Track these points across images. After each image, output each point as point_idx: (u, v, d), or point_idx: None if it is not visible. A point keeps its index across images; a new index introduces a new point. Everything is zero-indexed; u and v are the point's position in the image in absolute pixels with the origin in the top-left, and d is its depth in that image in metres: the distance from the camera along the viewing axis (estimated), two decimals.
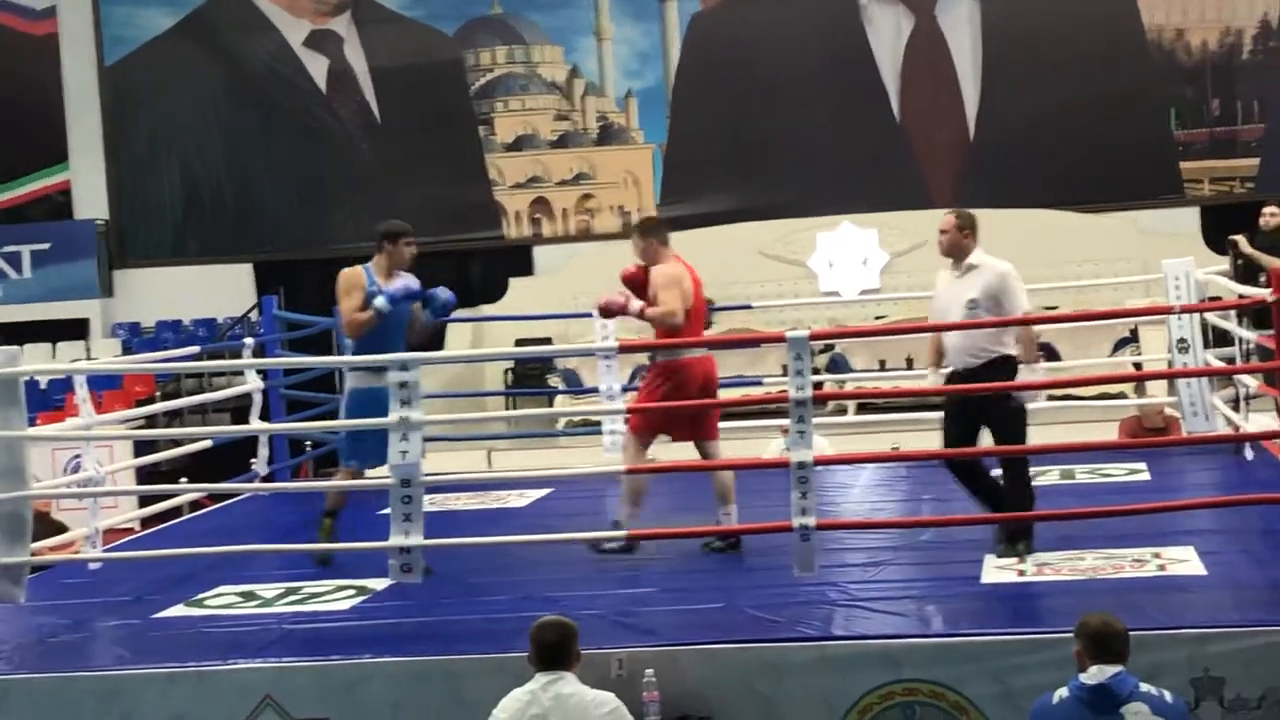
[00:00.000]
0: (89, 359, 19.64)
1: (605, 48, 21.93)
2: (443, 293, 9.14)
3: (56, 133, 22.58)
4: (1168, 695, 5.65)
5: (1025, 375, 8.23)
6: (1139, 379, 14.91)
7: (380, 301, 8.78)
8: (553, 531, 9.23)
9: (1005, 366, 8.20)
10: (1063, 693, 5.66)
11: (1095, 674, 5.62)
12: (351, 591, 8.21)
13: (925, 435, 12.77)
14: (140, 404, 17.38)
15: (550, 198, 21.89)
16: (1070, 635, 5.85)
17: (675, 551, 8.71)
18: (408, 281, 8.88)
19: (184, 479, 13.06)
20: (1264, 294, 7.62)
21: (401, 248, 9.00)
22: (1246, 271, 12.38)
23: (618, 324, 12.46)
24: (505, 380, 18.78)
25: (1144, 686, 5.63)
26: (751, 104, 21.06)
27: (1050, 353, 17.12)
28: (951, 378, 8.41)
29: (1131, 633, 5.79)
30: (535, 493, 11.07)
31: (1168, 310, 10.71)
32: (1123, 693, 5.58)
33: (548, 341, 18.41)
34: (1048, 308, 17.70)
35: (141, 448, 13.87)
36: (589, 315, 12.85)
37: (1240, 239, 12.45)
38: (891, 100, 20.96)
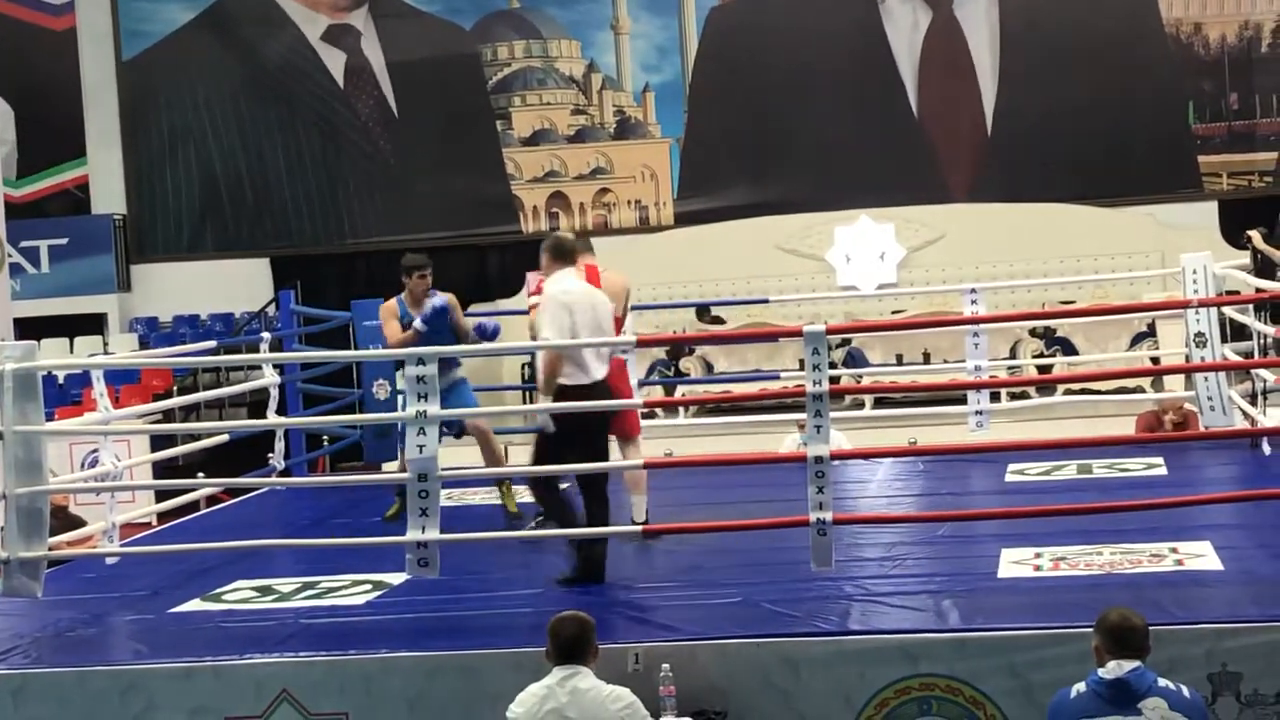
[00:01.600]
0: (106, 354, 19.68)
1: (623, 42, 21.92)
2: (490, 325, 10.21)
3: (74, 127, 22.63)
4: (1185, 690, 5.64)
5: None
6: (1156, 373, 14.89)
7: (418, 323, 10.02)
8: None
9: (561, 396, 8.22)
10: (1080, 687, 5.66)
11: (1113, 669, 5.61)
12: (368, 586, 8.23)
13: (942, 429, 12.80)
14: (157, 398, 17.41)
15: (568, 192, 21.89)
16: (1087, 630, 5.84)
17: (693, 546, 8.70)
18: (434, 301, 10.07)
19: (201, 474, 13.14)
20: None
21: (414, 280, 10.27)
22: (1264, 266, 12.34)
23: (634, 318, 12.48)
24: (522, 375, 18.77)
25: (1162, 681, 5.62)
26: (769, 98, 21.04)
27: (1067, 346, 17.15)
28: None
29: (1149, 628, 5.78)
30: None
31: (1185, 304, 10.67)
32: (1141, 688, 5.57)
33: None
34: (1065, 302, 17.75)
35: (158, 442, 13.87)
36: None
37: (1255, 234, 12.40)
38: (909, 94, 20.92)
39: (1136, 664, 5.62)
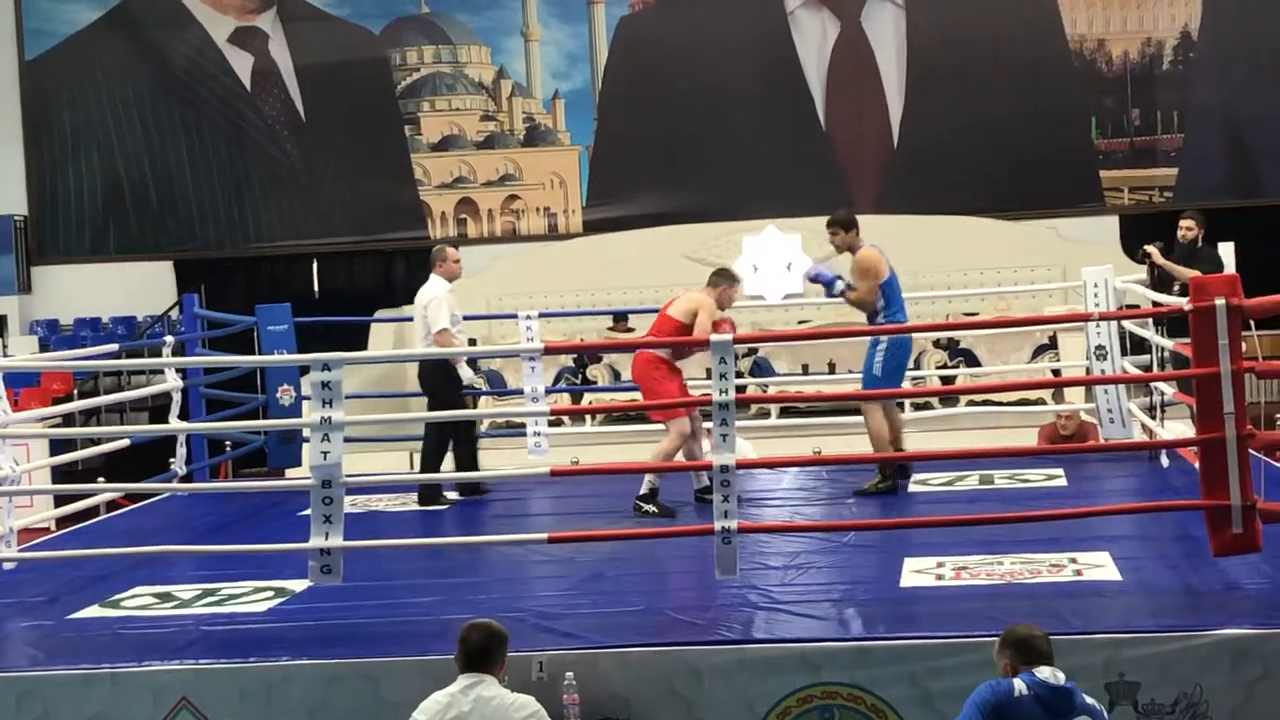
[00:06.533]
0: (5, 356, 19.41)
1: (533, 49, 21.90)
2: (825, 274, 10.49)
3: None
4: (1097, 704, 5.66)
5: None
6: (1057, 385, 15.05)
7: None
8: (475, 534, 9.21)
9: None
10: (1022, 688, 5.58)
11: (1051, 675, 5.59)
12: (270, 593, 8.16)
13: (847, 439, 12.86)
14: (57, 402, 17.21)
15: (476, 198, 21.85)
16: (988, 639, 5.88)
17: (596, 554, 8.70)
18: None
19: (101, 478, 12.96)
20: (1182, 303, 7.70)
21: None
22: (1161, 280, 12.51)
23: (541, 325, 12.50)
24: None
25: (1090, 699, 5.64)
26: (678, 107, 21.10)
27: (970, 358, 17.30)
28: None
29: (1049, 637, 5.83)
30: (457, 494, 11.03)
31: (1086, 317, 10.80)
32: (1076, 701, 5.56)
33: (472, 343, 18.36)
34: (968, 314, 17.91)
35: (58, 446, 13.72)
36: (513, 316, 12.88)
37: (1153, 249, 12.58)
38: (817, 105, 21.05)
39: (1062, 676, 5.62)
